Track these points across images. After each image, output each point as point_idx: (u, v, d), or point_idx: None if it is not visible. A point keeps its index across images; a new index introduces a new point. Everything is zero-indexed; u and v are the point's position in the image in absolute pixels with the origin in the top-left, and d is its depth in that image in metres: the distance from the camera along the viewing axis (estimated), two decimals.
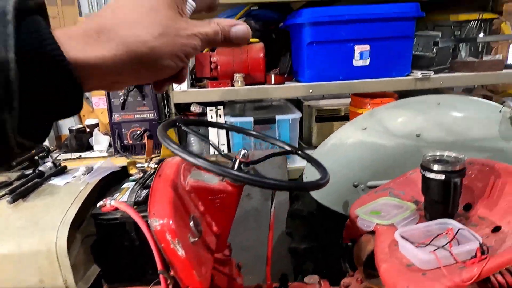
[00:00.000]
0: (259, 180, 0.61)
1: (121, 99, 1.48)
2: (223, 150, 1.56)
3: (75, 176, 1.00)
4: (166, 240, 0.62)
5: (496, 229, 0.76)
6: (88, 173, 0.99)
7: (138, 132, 1.51)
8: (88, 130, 1.72)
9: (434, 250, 0.69)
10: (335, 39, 1.40)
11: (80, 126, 1.71)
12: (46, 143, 1.56)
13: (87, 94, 1.75)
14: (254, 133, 0.94)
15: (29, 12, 0.26)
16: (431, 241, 0.72)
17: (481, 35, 1.61)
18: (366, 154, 1.12)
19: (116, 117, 1.51)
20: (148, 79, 0.35)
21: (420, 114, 1.13)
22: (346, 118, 1.64)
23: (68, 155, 1.56)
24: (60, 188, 0.94)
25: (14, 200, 0.86)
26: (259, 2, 1.56)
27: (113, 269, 0.89)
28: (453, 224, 0.76)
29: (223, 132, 1.55)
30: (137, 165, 1.04)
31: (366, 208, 0.92)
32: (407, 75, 1.49)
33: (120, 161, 1.40)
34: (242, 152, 0.77)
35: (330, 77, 1.45)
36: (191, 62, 1.57)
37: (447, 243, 0.69)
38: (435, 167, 0.80)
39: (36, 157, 1.33)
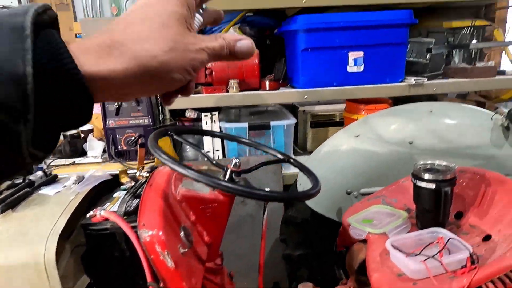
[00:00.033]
0: (249, 191, 0.61)
1: (116, 105, 1.48)
2: (218, 156, 1.56)
3: (65, 186, 1.00)
4: (155, 251, 0.62)
5: (487, 238, 0.77)
6: (79, 182, 0.99)
7: (133, 138, 1.50)
8: (82, 135, 1.71)
9: (424, 260, 0.69)
10: (329, 45, 1.40)
11: (74, 131, 1.70)
12: None
13: None
14: (247, 141, 0.94)
15: (45, 26, 0.27)
16: (421, 251, 0.72)
17: (474, 41, 1.63)
18: (359, 161, 1.12)
19: (111, 122, 1.50)
20: (157, 92, 0.36)
21: (412, 122, 1.13)
22: (341, 123, 1.64)
23: (62, 161, 1.55)
24: (50, 198, 0.94)
25: (3, 211, 0.85)
26: (254, 9, 1.56)
27: (103, 280, 0.88)
28: (444, 233, 0.76)
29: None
30: (129, 173, 1.03)
31: (358, 216, 0.92)
32: (401, 81, 1.49)
33: (114, 167, 1.40)
34: (234, 161, 0.77)
35: (324, 83, 1.45)
36: None
37: (437, 253, 0.70)
38: (426, 176, 0.80)
39: None
